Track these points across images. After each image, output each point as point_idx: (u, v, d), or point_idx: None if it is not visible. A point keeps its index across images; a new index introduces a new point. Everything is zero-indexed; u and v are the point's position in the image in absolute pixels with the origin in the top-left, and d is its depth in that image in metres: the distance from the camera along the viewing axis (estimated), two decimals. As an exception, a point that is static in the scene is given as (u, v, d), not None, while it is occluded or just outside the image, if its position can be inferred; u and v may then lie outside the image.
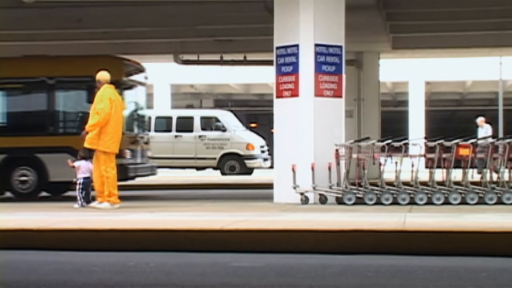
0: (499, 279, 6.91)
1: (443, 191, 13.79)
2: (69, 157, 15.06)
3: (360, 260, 8.10)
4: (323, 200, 14.24)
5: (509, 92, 41.38)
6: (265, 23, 16.27)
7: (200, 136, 30.24)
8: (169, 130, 30.66)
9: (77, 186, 14.21)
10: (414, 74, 37.89)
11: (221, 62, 25.64)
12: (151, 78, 20.17)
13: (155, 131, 28.90)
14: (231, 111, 34.22)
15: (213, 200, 16.55)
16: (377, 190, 13.95)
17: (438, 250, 8.43)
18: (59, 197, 17.86)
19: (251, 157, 30.20)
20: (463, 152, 13.97)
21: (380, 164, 14.27)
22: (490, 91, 42.65)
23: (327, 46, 14.78)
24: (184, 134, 30.44)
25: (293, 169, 14.11)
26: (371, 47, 24.29)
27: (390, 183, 14.16)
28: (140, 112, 18.65)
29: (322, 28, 14.77)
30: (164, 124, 30.90)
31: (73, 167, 14.29)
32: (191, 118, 30.96)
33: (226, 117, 31.33)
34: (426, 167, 14.52)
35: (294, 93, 14.81)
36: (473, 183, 14.12)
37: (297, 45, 14.75)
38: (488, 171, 14.07)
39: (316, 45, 14.69)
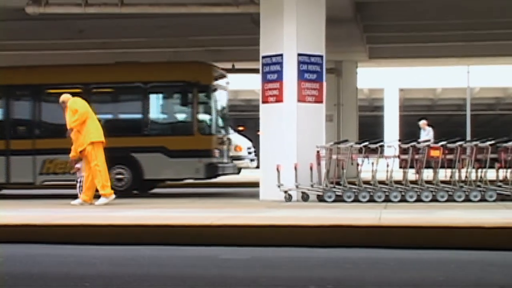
0: (467, 269, 6.92)
1: (416, 190, 13.80)
2: (162, 156, 15.10)
3: (339, 253, 8.10)
4: (305, 197, 14.24)
5: (476, 98, 41.47)
6: (252, 35, 16.25)
7: None
8: None
9: (78, 184, 14.14)
10: (389, 81, 37.91)
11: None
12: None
13: None
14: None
15: (203, 198, 16.51)
16: (355, 189, 13.95)
17: (411, 244, 8.43)
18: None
19: (239, 158, 30.10)
20: (434, 153, 13.99)
21: (357, 165, 14.27)
22: (458, 97, 42.71)
23: (309, 56, 14.78)
24: None
25: (277, 169, 14.09)
26: (349, 57, 24.31)
27: (367, 182, 14.16)
28: (225, 114, 18.59)
29: (304, 39, 14.77)
30: None
31: (78, 169, 14.18)
32: None
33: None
34: (400, 167, 14.55)
35: (279, 99, 14.80)
36: (443, 182, 14.13)
37: (281, 55, 14.75)
38: (457, 171, 14.08)
39: (299, 54, 14.69)
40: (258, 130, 15.37)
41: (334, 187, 14.06)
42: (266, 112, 15.03)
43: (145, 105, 17.32)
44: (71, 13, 16.90)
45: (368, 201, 13.64)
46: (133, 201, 14.87)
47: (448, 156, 14.00)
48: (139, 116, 17.41)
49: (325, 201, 13.79)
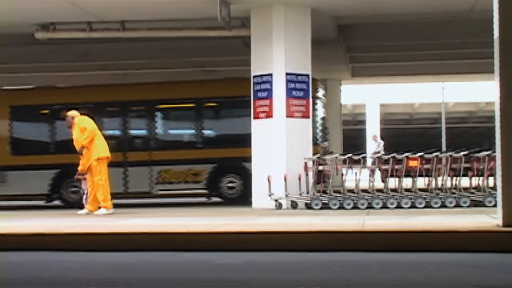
0: (445, 270, 6.92)
1: (396, 197, 13.81)
2: None
3: (326, 257, 8.09)
4: (294, 205, 14.23)
5: (450, 112, 41.62)
6: (243, 56, 16.29)
7: None
8: None
9: (85, 196, 14.12)
10: (370, 97, 38.00)
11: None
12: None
13: None
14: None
15: (199, 207, 16.47)
16: (340, 197, 13.95)
17: (392, 247, 8.42)
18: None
19: None
20: (412, 163, 14.02)
21: (342, 175, 14.28)
22: (434, 111, 42.87)
23: (296, 75, 14.82)
24: None
25: (268, 179, 14.09)
26: (333, 75, 24.38)
27: (351, 191, 14.17)
28: (325, 124, 18.47)
29: (292, 59, 14.81)
30: None
31: (85, 179, 14.16)
32: None
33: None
34: (382, 181, 14.54)
35: (269, 115, 14.82)
36: (421, 189, 14.15)
37: (271, 74, 14.78)
38: (434, 179, 14.10)
39: (287, 74, 14.73)
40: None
41: (321, 196, 14.06)
42: (258, 127, 15.04)
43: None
44: (76, 37, 16.91)
45: (352, 208, 13.64)
46: (134, 211, 14.84)
47: (426, 166, 14.03)
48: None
49: (312, 208, 13.78)
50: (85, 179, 14.06)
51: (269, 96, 14.81)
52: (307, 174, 14.15)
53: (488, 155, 13.63)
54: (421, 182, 14.31)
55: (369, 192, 14.01)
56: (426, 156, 14.08)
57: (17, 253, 8.78)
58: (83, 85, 20.05)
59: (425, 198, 13.74)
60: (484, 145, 23.47)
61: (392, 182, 14.40)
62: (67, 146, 15.03)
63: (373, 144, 25.74)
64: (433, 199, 13.68)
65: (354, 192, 14.04)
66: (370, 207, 13.62)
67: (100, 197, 13.69)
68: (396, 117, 46.91)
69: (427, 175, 14.11)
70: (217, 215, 12.84)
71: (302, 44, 14.95)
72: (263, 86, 14.89)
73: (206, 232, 9.28)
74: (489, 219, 9.93)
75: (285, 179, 14.12)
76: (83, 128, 13.81)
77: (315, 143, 16.14)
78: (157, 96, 17.88)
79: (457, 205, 13.53)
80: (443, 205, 13.57)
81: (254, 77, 15.06)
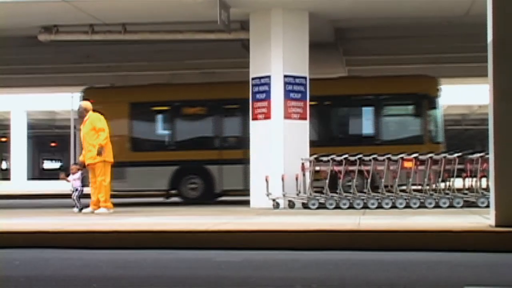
0: (437, 270, 6.94)
1: (391, 197, 13.83)
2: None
3: (322, 256, 8.10)
4: (291, 205, 14.25)
5: (444, 115, 41.58)
6: (242, 58, 16.30)
7: None
8: None
9: (76, 194, 14.12)
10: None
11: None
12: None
13: None
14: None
15: (199, 206, 16.48)
16: (336, 197, 13.97)
17: (387, 246, 8.44)
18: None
19: None
20: (407, 164, 14.04)
21: (339, 176, 14.28)
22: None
23: (294, 77, 14.84)
24: None
25: (266, 180, 14.12)
26: (330, 78, 24.32)
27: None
28: (443, 123, 18.39)
29: (290, 62, 14.83)
30: None
31: (68, 181, 14.26)
32: None
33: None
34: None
35: (267, 116, 14.84)
36: (415, 190, 14.17)
37: (269, 76, 14.80)
38: (429, 180, 14.12)
39: (285, 76, 14.74)
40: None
41: (318, 196, 14.08)
42: (256, 128, 15.06)
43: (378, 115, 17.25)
44: (79, 40, 16.93)
45: (348, 208, 13.67)
46: (135, 210, 14.85)
47: (420, 167, 14.05)
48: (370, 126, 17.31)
49: (309, 208, 13.80)
50: (68, 181, 14.20)
51: (267, 98, 14.83)
52: (304, 175, 14.17)
53: (481, 156, 13.66)
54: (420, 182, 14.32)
55: (365, 193, 14.03)
56: (421, 157, 14.09)
57: (20, 251, 8.80)
58: (200, 82, 19.74)
59: (419, 199, 13.76)
60: (477, 147, 23.52)
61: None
62: (187, 142, 14.89)
63: None
64: (427, 200, 13.71)
65: (350, 193, 14.06)
66: (365, 207, 13.64)
67: (102, 197, 13.71)
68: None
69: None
70: (215, 214, 12.85)
71: (300, 47, 14.97)
72: (262, 88, 14.91)
73: (205, 230, 9.30)
74: (482, 220, 9.96)
75: (282, 179, 14.15)
76: (99, 129, 13.63)
77: (437, 142, 16.50)
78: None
79: (451, 206, 13.57)
80: (437, 206, 13.60)
81: (252, 79, 15.07)
